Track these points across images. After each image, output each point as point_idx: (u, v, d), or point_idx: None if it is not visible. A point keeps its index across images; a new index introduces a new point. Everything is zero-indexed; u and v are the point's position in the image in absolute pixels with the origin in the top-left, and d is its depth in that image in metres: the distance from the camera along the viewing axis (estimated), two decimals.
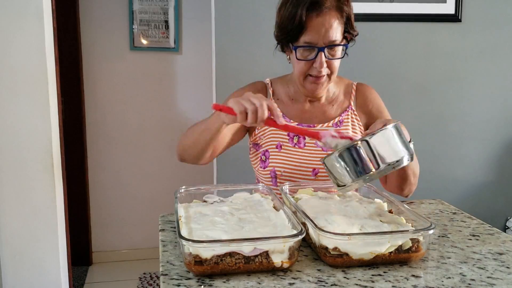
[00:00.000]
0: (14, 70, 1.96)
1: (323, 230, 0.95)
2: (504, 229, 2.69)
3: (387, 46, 2.50)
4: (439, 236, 1.16)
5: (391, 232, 1.00)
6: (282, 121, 1.12)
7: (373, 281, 0.92)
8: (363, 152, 1.03)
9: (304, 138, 1.45)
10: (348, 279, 0.93)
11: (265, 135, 1.47)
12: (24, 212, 2.04)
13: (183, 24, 3.34)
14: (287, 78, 1.53)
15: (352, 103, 1.51)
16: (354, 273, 0.95)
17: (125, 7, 3.25)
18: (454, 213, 1.35)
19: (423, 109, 2.57)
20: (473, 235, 1.17)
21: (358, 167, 1.03)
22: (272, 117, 1.12)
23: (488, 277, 0.94)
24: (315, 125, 1.46)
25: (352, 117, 1.49)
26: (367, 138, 1.03)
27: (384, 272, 0.95)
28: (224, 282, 0.91)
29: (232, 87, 2.36)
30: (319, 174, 1.42)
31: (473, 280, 0.93)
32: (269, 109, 1.11)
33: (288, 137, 1.45)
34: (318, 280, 0.92)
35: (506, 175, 2.68)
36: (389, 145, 1.05)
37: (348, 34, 1.38)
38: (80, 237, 3.29)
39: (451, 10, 2.48)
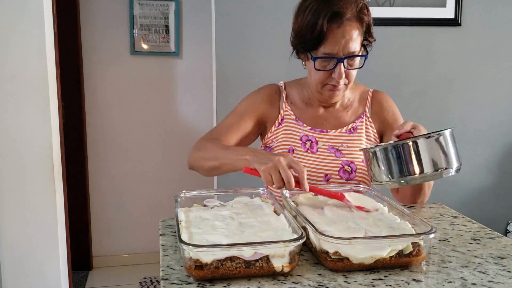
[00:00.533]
0: (15, 74, 1.96)
1: (323, 234, 0.95)
2: (505, 233, 2.69)
3: (387, 50, 2.50)
4: (440, 240, 1.16)
5: (392, 236, 0.99)
6: (307, 188, 1.15)
7: (373, 286, 0.91)
8: (411, 152, 1.00)
9: (317, 143, 1.44)
10: (348, 283, 0.93)
11: (278, 138, 1.47)
12: (24, 216, 2.04)
13: (183, 29, 3.35)
14: (301, 81, 1.52)
15: (367, 110, 1.50)
16: (354, 278, 0.95)
17: (126, 11, 3.26)
18: (455, 217, 1.34)
19: (423, 113, 2.57)
20: (474, 239, 1.17)
21: (402, 167, 1.01)
22: (298, 183, 1.14)
23: (489, 281, 0.94)
24: (328, 130, 1.45)
25: (366, 124, 1.48)
26: (419, 139, 1.00)
27: (385, 277, 0.95)
28: (225, 286, 0.91)
29: (233, 91, 2.38)
30: (331, 179, 1.42)
31: (474, 284, 0.93)
32: (297, 172, 1.13)
33: (300, 142, 1.45)
34: (319, 285, 0.92)
35: (507, 179, 2.68)
36: (441, 150, 1.02)
37: (367, 41, 1.37)
38: (80, 241, 3.28)
39: (451, 14, 2.48)
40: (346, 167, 1.42)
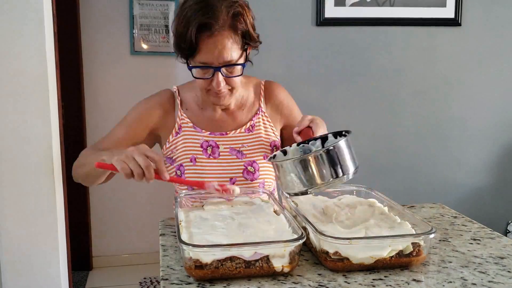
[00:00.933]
0: (15, 75, 1.96)
1: (323, 235, 0.95)
2: (505, 233, 2.69)
3: (387, 50, 2.50)
4: (440, 240, 1.16)
5: (392, 236, 0.99)
6: (166, 176, 1.15)
7: (374, 286, 0.91)
8: (312, 165, 1.06)
9: (218, 147, 1.40)
10: (349, 283, 0.92)
11: (177, 148, 1.41)
12: (25, 216, 2.03)
13: None
14: (194, 84, 1.44)
15: (262, 105, 1.46)
16: (355, 278, 0.95)
17: (126, 11, 3.26)
18: (455, 217, 1.34)
19: (423, 113, 2.57)
20: (474, 239, 1.17)
21: (306, 178, 1.06)
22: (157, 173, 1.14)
23: (489, 281, 0.94)
24: (227, 132, 1.41)
25: (263, 120, 1.45)
26: (321, 152, 1.06)
27: (385, 277, 0.95)
28: (225, 286, 0.91)
29: None
30: (237, 183, 1.38)
31: (474, 284, 0.93)
32: (153, 161, 1.12)
33: (201, 149, 1.39)
34: (319, 285, 0.92)
35: (506, 179, 2.68)
36: (336, 160, 1.07)
37: (249, 45, 1.32)
38: (80, 242, 3.28)
39: (451, 14, 2.48)
40: (249, 167, 1.40)
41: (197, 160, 1.38)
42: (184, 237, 0.96)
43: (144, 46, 3.30)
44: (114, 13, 3.25)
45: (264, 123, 1.45)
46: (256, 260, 0.92)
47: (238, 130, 1.42)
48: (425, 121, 2.58)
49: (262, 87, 1.48)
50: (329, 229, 1.02)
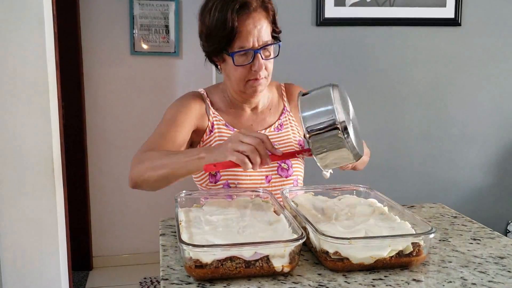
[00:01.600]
0: (15, 75, 1.96)
1: (323, 234, 0.95)
2: (505, 233, 2.69)
3: (387, 50, 2.50)
4: (440, 240, 1.16)
5: (392, 236, 0.99)
6: (278, 151, 1.11)
7: (373, 286, 0.91)
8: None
9: None
10: (349, 283, 0.93)
11: (211, 145, 1.41)
12: (25, 217, 2.04)
13: (183, 29, 3.35)
14: (221, 87, 1.48)
15: (286, 105, 1.51)
16: (355, 277, 0.95)
17: (126, 11, 3.26)
18: (455, 217, 1.34)
19: (423, 113, 2.57)
20: (474, 239, 1.17)
21: (329, 138, 1.04)
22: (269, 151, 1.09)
23: (489, 281, 0.94)
24: (258, 131, 1.44)
25: (289, 119, 1.50)
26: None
27: (385, 277, 0.95)
28: (225, 286, 0.91)
29: None
30: (272, 180, 1.40)
31: (474, 284, 0.93)
32: (263, 142, 1.07)
33: None
34: (319, 285, 0.92)
35: (507, 178, 2.68)
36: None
37: (274, 32, 1.37)
38: (81, 242, 3.28)
39: (451, 14, 2.48)
40: (283, 164, 1.42)
41: None
42: (184, 237, 0.96)
43: (144, 46, 3.30)
44: (114, 13, 3.25)
45: (290, 122, 1.49)
46: (256, 260, 0.92)
47: (268, 130, 1.45)
48: (425, 121, 2.58)
49: (283, 88, 1.53)
50: (329, 229, 1.02)
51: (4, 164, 2.00)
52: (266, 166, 1.25)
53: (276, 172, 1.42)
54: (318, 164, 1.10)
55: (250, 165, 1.05)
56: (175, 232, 1.16)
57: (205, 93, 1.47)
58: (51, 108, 2.01)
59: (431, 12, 2.47)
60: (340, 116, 1.03)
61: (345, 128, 1.03)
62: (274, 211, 1.15)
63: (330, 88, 1.09)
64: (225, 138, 1.38)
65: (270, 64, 1.34)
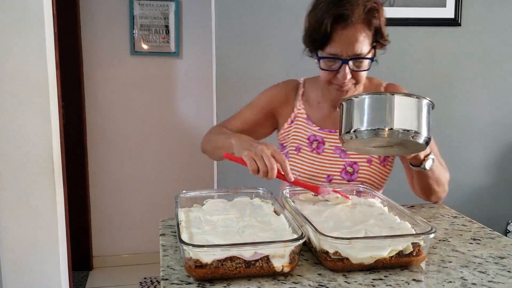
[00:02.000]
0: (15, 75, 1.96)
1: (323, 234, 0.95)
2: (505, 233, 2.69)
3: (386, 50, 2.50)
4: (440, 240, 1.16)
5: (392, 236, 0.99)
6: (291, 177, 1.18)
7: (373, 286, 0.91)
8: (386, 105, 1.02)
9: (324, 144, 1.44)
10: (349, 283, 0.93)
11: (289, 135, 1.48)
12: (25, 216, 2.03)
13: (183, 29, 3.35)
14: (319, 79, 1.48)
15: None
16: (355, 277, 0.95)
17: (126, 12, 3.26)
18: (455, 217, 1.34)
19: None
20: (474, 239, 1.17)
21: (374, 116, 1.02)
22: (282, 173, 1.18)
23: (489, 281, 0.94)
24: (337, 130, 1.43)
25: None
26: (395, 95, 1.03)
27: (385, 277, 0.95)
28: (225, 286, 0.91)
29: (233, 91, 2.38)
30: (333, 180, 1.42)
31: (474, 284, 0.93)
32: (279, 162, 1.15)
33: (307, 141, 1.45)
34: (319, 285, 0.92)
35: (507, 178, 2.68)
36: (414, 113, 1.03)
37: (378, 43, 1.36)
38: (81, 241, 3.28)
39: (451, 14, 2.48)
40: (348, 168, 1.42)
41: (301, 150, 1.45)
42: (184, 237, 0.96)
43: (144, 46, 3.30)
44: (114, 13, 3.25)
45: None
46: (256, 260, 0.92)
47: None
48: None
49: (382, 88, 1.51)
50: (328, 229, 1.02)
51: (4, 164, 2.00)
52: (331, 166, 1.43)
53: (339, 173, 1.42)
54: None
55: (256, 173, 1.16)
56: (175, 232, 1.16)
57: (302, 83, 1.52)
58: (51, 108, 2.01)
59: (431, 12, 2.47)
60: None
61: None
62: (274, 211, 1.15)
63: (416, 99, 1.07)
64: (302, 131, 1.46)
65: (361, 73, 1.33)
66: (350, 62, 1.29)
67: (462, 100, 2.58)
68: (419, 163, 1.31)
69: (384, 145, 1.13)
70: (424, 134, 1.06)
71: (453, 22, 2.49)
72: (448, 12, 2.48)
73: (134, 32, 3.27)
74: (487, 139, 2.63)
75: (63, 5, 2.86)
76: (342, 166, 1.43)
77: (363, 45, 1.29)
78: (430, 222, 1.27)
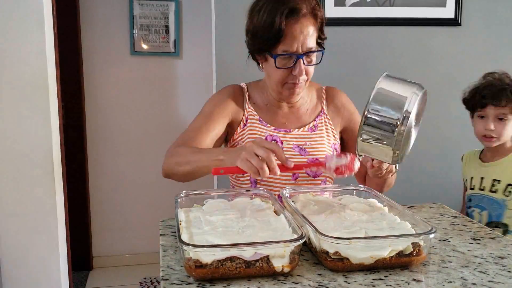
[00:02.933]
0: (15, 75, 1.96)
1: (323, 234, 0.95)
2: (505, 233, 2.68)
3: (386, 50, 2.50)
4: (440, 240, 1.16)
5: (392, 236, 0.99)
6: (290, 163, 1.15)
7: (374, 286, 0.91)
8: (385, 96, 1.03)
9: (282, 143, 1.44)
10: (349, 283, 0.92)
11: (244, 140, 1.45)
12: (25, 216, 2.04)
13: (183, 29, 3.35)
14: (261, 84, 1.52)
15: (324, 108, 1.52)
16: (355, 277, 0.95)
17: (126, 12, 3.26)
18: (455, 217, 1.34)
19: (423, 112, 2.57)
20: (474, 239, 1.17)
21: (385, 127, 1.01)
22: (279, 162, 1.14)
23: (489, 281, 0.94)
24: (291, 129, 1.46)
25: (325, 121, 1.50)
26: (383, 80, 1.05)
27: (385, 277, 0.95)
28: (225, 286, 0.91)
29: None
30: (299, 178, 1.43)
31: (474, 284, 0.93)
32: (274, 153, 1.11)
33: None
34: (319, 285, 0.92)
35: None
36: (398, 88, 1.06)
37: (320, 39, 1.39)
38: (81, 242, 3.28)
39: (451, 14, 2.48)
40: None
41: None
42: (184, 237, 0.96)
43: (144, 46, 3.30)
44: (114, 13, 3.25)
45: (326, 125, 1.50)
46: (256, 260, 0.92)
47: (302, 129, 1.47)
48: (424, 121, 2.56)
49: (324, 91, 1.54)
50: (329, 229, 1.02)
51: (4, 164, 2.00)
52: (294, 163, 1.33)
53: (303, 170, 1.43)
54: (357, 145, 1.10)
55: (258, 175, 1.10)
56: (175, 232, 1.16)
57: (245, 87, 1.52)
58: (51, 108, 2.01)
59: (431, 12, 2.47)
60: (407, 118, 1.02)
61: (403, 131, 1.02)
62: (274, 211, 1.15)
63: (417, 88, 1.07)
64: (257, 134, 1.44)
65: (311, 69, 1.36)
66: (304, 57, 1.32)
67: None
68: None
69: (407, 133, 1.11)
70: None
71: (453, 22, 2.49)
72: (448, 12, 2.48)
73: (134, 32, 3.27)
74: None
75: (63, 5, 2.86)
76: (305, 163, 1.43)
77: (313, 39, 1.33)
78: (430, 222, 1.27)
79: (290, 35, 1.29)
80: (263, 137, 1.44)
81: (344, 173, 1.18)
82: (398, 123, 1.02)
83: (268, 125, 1.46)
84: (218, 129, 1.43)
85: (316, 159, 1.33)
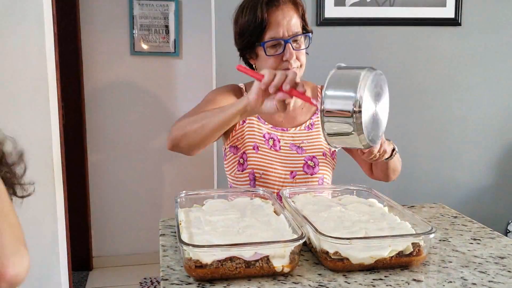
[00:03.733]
0: (15, 75, 1.96)
1: (323, 234, 0.95)
2: (506, 233, 2.69)
3: (387, 50, 2.50)
4: (440, 240, 1.16)
5: (392, 236, 0.99)
6: (302, 88, 1.10)
7: (374, 286, 0.91)
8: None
9: (279, 141, 1.46)
10: (349, 283, 0.92)
11: (243, 136, 1.47)
12: (24, 216, 2.03)
13: (183, 29, 3.35)
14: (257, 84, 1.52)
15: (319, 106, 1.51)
16: (355, 278, 0.95)
17: (126, 12, 3.26)
18: (455, 217, 1.34)
19: (423, 113, 2.57)
20: (474, 239, 1.17)
21: (341, 118, 1.00)
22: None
23: (489, 281, 0.94)
24: (288, 128, 1.48)
25: None
26: (338, 70, 1.05)
27: (385, 277, 0.95)
28: (225, 286, 0.91)
29: None
30: (297, 176, 1.44)
31: (474, 284, 0.93)
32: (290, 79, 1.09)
33: (264, 139, 1.46)
34: (319, 285, 0.92)
35: (507, 178, 2.68)
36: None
37: (304, 29, 1.40)
38: (81, 242, 3.28)
39: (451, 14, 2.48)
40: (309, 162, 1.46)
41: (259, 148, 1.45)
42: (184, 237, 0.96)
43: (144, 46, 3.30)
44: (114, 13, 3.25)
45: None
46: (256, 260, 0.92)
47: (298, 128, 1.49)
48: (425, 121, 2.58)
49: (319, 89, 1.54)
50: (328, 229, 1.02)
51: None
52: (292, 162, 1.42)
53: (301, 168, 1.45)
54: (327, 141, 1.08)
55: (269, 84, 1.07)
56: (175, 232, 1.16)
57: (244, 87, 1.53)
58: (51, 108, 2.01)
59: (431, 12, 2.47)
60: (358, 103, 1.01)
61: (360, 116, 1.00)
62: (274, 211, 1.15)
63: (367, 70, 1.04)
64: (256, 130, 1.46)
65: (302, 56, 1.37)
66: (291, 41, 1.33)
67: (462, 100, 2.58)
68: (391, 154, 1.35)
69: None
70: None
71: (453, 22, 2.49)
72: (448, 12, 2.48)
73: (134, 32, 3.27)
74: (487, 139, 2.63)
75: (63, 5, 2.86)
76: (303, 161, 1.45)
77: (298, 25, 1.35)
78: (430, 222, 1.27)
79: (274, 22, 1.33)
80: (262, 134, 1.46)
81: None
82: (353, 109, 1.00)
83: (265, 123, 1.48)
84: None
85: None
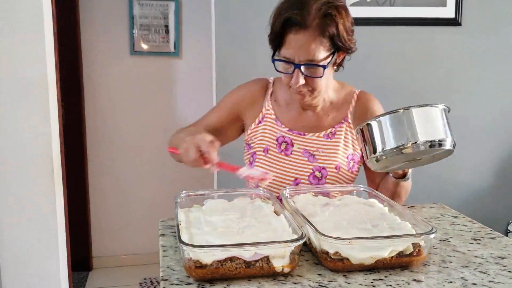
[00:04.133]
0: (15, 75, 1.96)
1: (323, 235, 0.95)
2: (506, 233, 2.69)
3: (387, 50, 2.50)
4: (440, 240, 1.16)
5: (392, 236, 0.99)
6: (214, 159, 1.16)
7: (374, 286, 0.91)
8: (404, 120, 1.03)
9: (292, 146, 1.42)
10: (349, 283, 0.92)
11: (256, 136, 1.46)
12: (24, 217, 2.03)
13: (183, 29, 3.35)
14: None
15: (349, 115, 1.44)
16: (355, 278, 0.94)
17: (125, 11, 3.26)
18: (456, 217, 1.34)
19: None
20: (475, 239, 1.17)
21: (395, 135, 1.02)
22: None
23: (489, 282, 0.94)
24: (305, 133, 1.42)
25: (346, 130, 1.43)
26: (411, 108, 1.04)
27: (385, 277, 0.95)
28: (225, 287, 0.91)
29: None
30: (300, 184, 1.40)
31: (474, 284, 0.93)
32: (204, 153, 1.16)
33: (276, 142, 1.43)
34: (319, 285, 0.92)
35: (507, 179, 2.68)
36: (433, 122, 1.06)
37: (341, 50, 1.32)
38: (80, 242, 3.28)
39: (451, 14, 2.48)
40: (316, 172, 1.40)
41: (269, 152, 1.43)
42: (184, 237, 0.96)
43: (144, 46, 3.30)
44: (114, 13, 3.25)
45: (346, 134, 1.43)
46: (256, 261, 0.92)
47: (317, 134, 1.43)
48: None
49: (355, 96, 1.46)
50: (329, 229, 1.02)
51: (4, 164, 2.00)
52: (299, 169, 1.40)
53: (307, 178, 1.40)
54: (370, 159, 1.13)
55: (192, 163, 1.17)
56: (175, 233, 1.16)
57: (272, 82, 1.50)
58: (51, 108, 2.01)
59: (431, 12, 2.47)
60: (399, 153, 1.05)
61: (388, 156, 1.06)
62: (274, 211, 1.15)
63: (444, 139, 1.09)
64: (270, 132, 1.44)
65: (316, 80, 1.29)
66: (303, 68, 1.26)
67: (462, 100, 2.58)
68: (404, 175, 1.33)
69: (412, 159, 1.13)
70: (449, 139, 1.08)
71: (453, 22, 2.49)
72: (448, 12, 2.48)
73: (133, 32, 3.27)
74: (487, 139, 2.63)
75: (63, 5, 2.86)
76: (311, 171, 1.40)
77: (316, 52, 1.24)
78: (430, 222, 1.27)
79: (287, 44, 1.26)
80: (275, 138, 1.43)
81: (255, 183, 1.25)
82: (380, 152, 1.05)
83: (282, 125, 1.44)
84: (218, 117, 1.49)
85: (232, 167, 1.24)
